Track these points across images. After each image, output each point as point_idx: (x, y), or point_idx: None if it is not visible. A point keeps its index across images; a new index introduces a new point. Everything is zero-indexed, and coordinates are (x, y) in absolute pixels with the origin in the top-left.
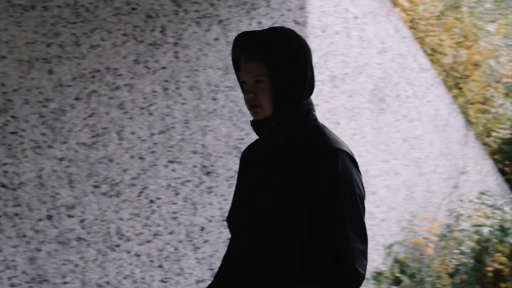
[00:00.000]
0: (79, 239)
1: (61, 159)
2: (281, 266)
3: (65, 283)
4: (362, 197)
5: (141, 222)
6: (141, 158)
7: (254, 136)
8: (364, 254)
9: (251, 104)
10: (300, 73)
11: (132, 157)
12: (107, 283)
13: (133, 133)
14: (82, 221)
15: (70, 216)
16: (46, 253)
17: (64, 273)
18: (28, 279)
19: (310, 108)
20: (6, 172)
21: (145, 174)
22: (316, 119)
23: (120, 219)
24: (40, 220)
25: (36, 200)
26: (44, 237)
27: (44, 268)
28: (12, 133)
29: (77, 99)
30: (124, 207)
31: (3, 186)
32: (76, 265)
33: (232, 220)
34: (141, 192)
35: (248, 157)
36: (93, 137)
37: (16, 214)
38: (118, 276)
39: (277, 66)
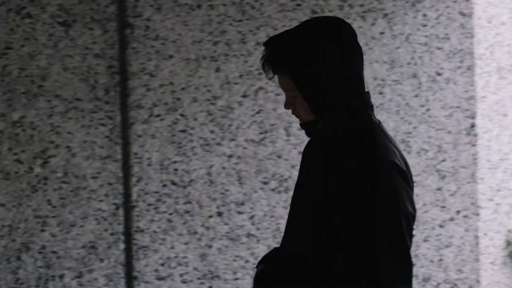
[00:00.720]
0: (249, 235)
1: (230, 156)
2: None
3: (236, 279)
4: (408, 215)
5: None
6: None
7: (417, 130)
8: (405, 280)
9: (293, 114)
10: (332, 77)
11: (300, 153)
12: None
13: (300, 129)
14: (251, 217)
15: (240, 213)
16: (217, 249)
17: (235, 269)
18: (200, 275)
19: (362, 107)
20: (176, 170)
21: None
22: (370, 119)
23: None
24: (211, 217)
25: (206, 197)
26: (215, 233)
27: (215, 265)
28: (182, 131)
29: (244, 96)
30: None
31: (174, 183)
32: (247, 261)
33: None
34: None
35: (305, 153)
36: (261, 133)
37: (187, 211)
38: None
39: (301, 79)
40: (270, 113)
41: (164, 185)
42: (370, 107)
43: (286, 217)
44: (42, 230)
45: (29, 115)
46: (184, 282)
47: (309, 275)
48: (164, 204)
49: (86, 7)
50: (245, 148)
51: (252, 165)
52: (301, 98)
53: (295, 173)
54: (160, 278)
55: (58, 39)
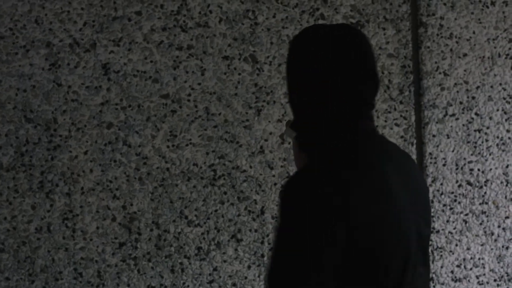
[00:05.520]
0: None
1: None
2: None
3: None
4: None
5: None
6: None
7: None
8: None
9: None
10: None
11: None
12: None
13: None
14: None
15: None
16: None
17: None
18: (496, 277)
19: (343, 113)
20: (472, 170)
21: None
22: (353, 130)
23: None
24: (507, 217)
25: (502, 197)
26: (511, 234)
27: None
28: (477, 130)
29: None
30: None
31: (469, 184)
32: None
33: None
34: None
35: None
36: None
37: (483, 212)
38: None
39: (287, 80)
40: None
41: (460, 185)
42: (363, 119)
43: None
44: None
45: None
46: (480, 284)
47: None
48: (460, 205)
49: (379, 7)
50: None
51: None
52: None
53: None
54: (456, 280)
55: None
